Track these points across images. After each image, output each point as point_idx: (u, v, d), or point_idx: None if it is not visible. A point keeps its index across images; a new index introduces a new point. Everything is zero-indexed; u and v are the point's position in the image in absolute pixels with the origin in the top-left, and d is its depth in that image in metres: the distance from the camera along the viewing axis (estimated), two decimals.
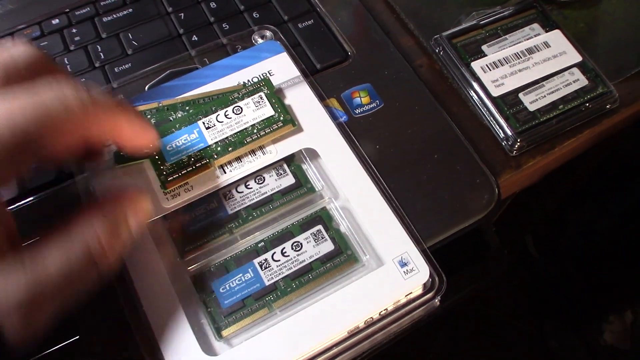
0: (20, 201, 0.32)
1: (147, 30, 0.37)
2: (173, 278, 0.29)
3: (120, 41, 0.37)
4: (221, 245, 0.30)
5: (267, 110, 0.32)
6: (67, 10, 0.38)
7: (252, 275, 0.29)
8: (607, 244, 0.85)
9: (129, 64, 0.36)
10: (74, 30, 0.37)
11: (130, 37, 0.37)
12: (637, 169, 0.74)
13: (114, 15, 0.38)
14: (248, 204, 0.31)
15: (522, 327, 0.95)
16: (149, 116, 0.32)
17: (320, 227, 0.30)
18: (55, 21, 0.38)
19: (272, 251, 0.29)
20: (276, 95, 0.32)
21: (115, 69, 0.36)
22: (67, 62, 0.36)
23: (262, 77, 0.33)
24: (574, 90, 0.37)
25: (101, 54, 0.36)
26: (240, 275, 0.29)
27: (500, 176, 0.35)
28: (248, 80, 0.34)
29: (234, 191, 0.31)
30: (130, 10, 0.38)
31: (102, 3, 0.38)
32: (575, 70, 0.38)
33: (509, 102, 0.37)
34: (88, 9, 0.38)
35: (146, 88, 0.35)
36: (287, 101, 0.33)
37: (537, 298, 0.98)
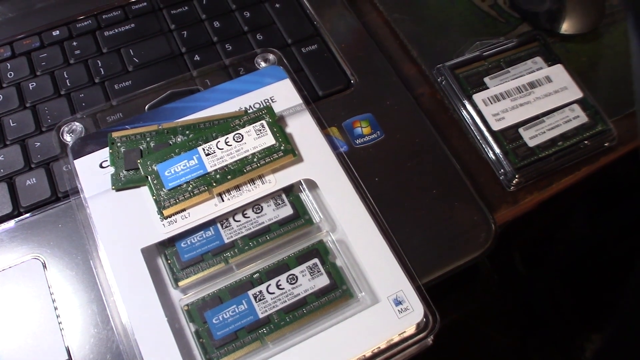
0: (14, 218, 0.32)
1: (149, 47, 0.37)
2: (166, 306, 0.28)
3: (121, 57, 0.36)
4: (216, 274, 0.30)
5: (268, 139, 0.31)
6: (69, 22, 0.38)
7: (246, 307, 0.29)
8: (593, 263, 0.86)
9: (129, 82, 0.35)
10: (75, 43, 0.37)
11: (132, 53, 0.36)
12: (628, 189, 0.74)
13: (116, 30, 0.37)
14: (245, 233, 0.31)
15: (506, 341, 0.95)
16: (148, 139, 0.32)
17: (316, 260, 0.30)
18: (56, 32, 0.37)
19: (267, 283, 0.29)
20: (278, 124, 0.32)
21: (115, 86, 0.35)
22: (66, 76, 0.36)
23: (265, 105, 0.33)
24: (574, 127, 0.37)
25: (101, 69, 0.36)
26: (234, 306, 0.29)
27: (496, 211, 0.35)
28: (250, 107, 0.33)
29: (231, 220, 0.31)
30: (133, 25, 0.38)
31: (104, 16, 0.38)
32: (576, 106, 0.38)
33: (509, 137, 0.37)
34: (90, 21, 0.37)
35: (146, 108, 0.34)
36: (288, 129, 0.33)
37: (522, 313, 0.98)
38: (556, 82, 0.39)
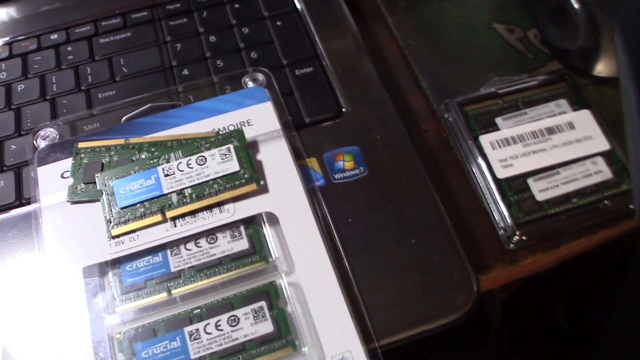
0: None
1: (140, 57, 0.36)
2: (96, 332, 0.27)
3: (111, 65, 0.36)
4: (157, 304, 0.28)
5: (232, 165, 0.29)
6: (69, 26, 0.37)
7: (179, 344, 0.26)
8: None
9: (114, 91, 0.34)
10: (69, 48, 0.36)
11: (122, 62, 0.36)
12: None
13: (111, 38, 0.37)
14: (194, 264, 0.28)
15: None
16: (112, 152, 0.30)
17: (263, 303, 0.27)
18: (54, 36, 0.37)
19: (206, 322, 0.27)
20: (245, 150, 0.30)
21: (99, 95, 0.34)
22: (54, 81, 0.35)
23: (236, 128, 0.31)
24: (594, 183, 0.32)
25: (89, 76, 0.35)
26: (167, 342, 0.26)
27: (489, 271, 0.31)
28: (224, 128, 0.31)
29: (182, 247, 0.29)
30: (129, 34, 0.37)
31: (103, 23, 0.37)
32: (600, 159, 0.33)
33: (515, 187, 0.32)
34: (88, 27, 0.37)
35: (122, 120, 0.33)
36: (259, 156, 0.30)
37: None
38: (580, 130, 0.34)
